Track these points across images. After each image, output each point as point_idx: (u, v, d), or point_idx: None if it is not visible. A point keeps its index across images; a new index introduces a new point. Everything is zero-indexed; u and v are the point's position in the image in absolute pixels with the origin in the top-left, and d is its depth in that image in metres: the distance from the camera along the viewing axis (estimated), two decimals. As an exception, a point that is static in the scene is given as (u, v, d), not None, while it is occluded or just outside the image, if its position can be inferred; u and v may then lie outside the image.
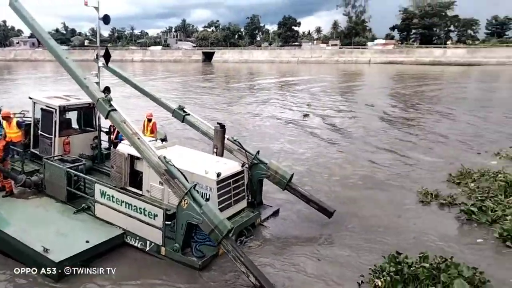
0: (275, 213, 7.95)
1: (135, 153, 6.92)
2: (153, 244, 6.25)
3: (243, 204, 7.36)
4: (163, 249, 6.14)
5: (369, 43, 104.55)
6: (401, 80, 45.25)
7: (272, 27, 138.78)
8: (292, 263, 6.04)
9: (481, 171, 9.57)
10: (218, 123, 8.04)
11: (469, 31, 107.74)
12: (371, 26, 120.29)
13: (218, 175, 6.50)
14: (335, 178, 9.94)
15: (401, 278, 5.07)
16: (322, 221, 7.26)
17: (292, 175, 7.46)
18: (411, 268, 5.14)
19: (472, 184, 8.83)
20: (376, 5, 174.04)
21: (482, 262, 5.81)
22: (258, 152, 7.85)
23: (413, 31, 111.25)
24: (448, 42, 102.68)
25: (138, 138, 6.49)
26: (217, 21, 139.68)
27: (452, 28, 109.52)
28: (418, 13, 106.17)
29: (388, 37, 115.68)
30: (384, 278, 5.15)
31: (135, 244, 6.46)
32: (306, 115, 19.93)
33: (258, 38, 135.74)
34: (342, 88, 36.59)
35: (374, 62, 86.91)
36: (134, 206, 6.42)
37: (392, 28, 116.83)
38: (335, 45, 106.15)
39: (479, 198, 7.80)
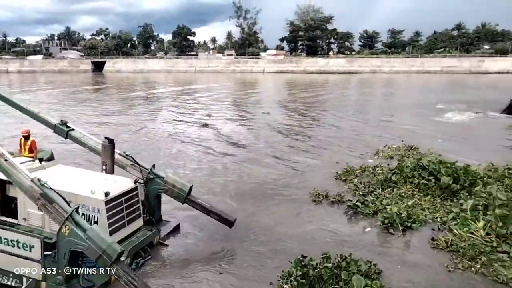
0: (176, 229, 7.62)
1: (5, 177, 5.94)
2: (30, 280, 5.42)
3: (138, 223, 6.88)
4: (43, 284, 5.35)
5: (262, 53, 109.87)
6: (292, 88, 48.47)
7: (167, 36, 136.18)
8: (194, 281, 5.80)
9: (362, 167, 10.71)
10: (106, 137, 7.42)
11: (347, 43, 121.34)
12: (263, 37, 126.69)
13: (107, 194, 5.96)
14: (235, 187, 10.02)
15: (307, 281, 5.24)
16: (224, 232, 7.19)
17: (191, 187, 7.24)
18: (316, 270, 5.36)
19: (356, 180, 9.79)
20: (266, 18, 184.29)
21: (373, 251, 6.43)
22: (153, 166, 7.45)
23: (300, 42, 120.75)
24: (330, 53, 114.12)
25: (5, 160, 5.59)
26: (107, 28, 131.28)
27: (332, 40, 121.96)
28: (303, 26, 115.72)
29: (279, 48, 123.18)
30: (292, 283, 5.29)
31: (9, 283, 5.53)
32: (205, 125, 19.86)
33: (153, 47, 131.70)
34: (240, 96, 37.58)
35: (268, 71, 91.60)
36: (5, 239, 5.51)
37: (282, 40, 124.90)
38: (231, 55, 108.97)
39: (362, 193, 8.68)
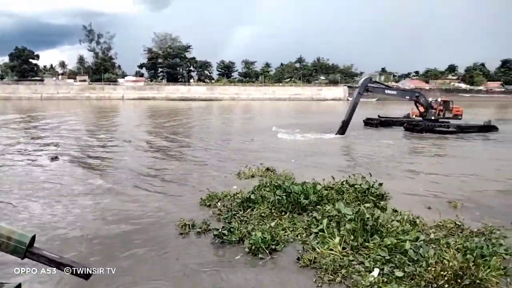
0: (16, 290, 6.32)
1: None
2: None
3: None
4: None
5: (120, 80, 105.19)
6: (155, 115, 47.41)
7: (2, 59, 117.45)
8: None
9: (224, 192, 10.73)
10: None
11: (206, 72, 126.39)
12: (120, 63, 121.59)
13: None
14: (89, 232, 8.65)
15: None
16: (81, 285, 6.27)
17: (34, 237, 6.00)
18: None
19: (219, 204, 9.81)
20: (122, 43, 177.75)
21: (248, 279, 6.37)
22: (-19, 216, 6.12)
23: (160, 69, 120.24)
24: (191, 81, 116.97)
25: None
26: None
27: (192, 68, 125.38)
28: (162, 54, 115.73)
29: (138, 74, 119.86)
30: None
31: None
32: (54, 158, 17.44)
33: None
34: (96, 125, 34.62)
35: (127, 98, 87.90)
36: None
37: (140, 66, 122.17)
38: (84, 80, 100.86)
39: (226, 218, 8.68)
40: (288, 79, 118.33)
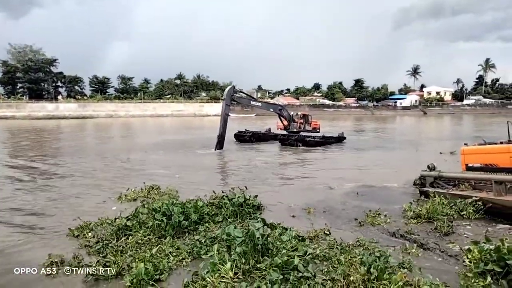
0: None
1: None
2: None
3: None
4: None
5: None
6: (16, 137, 41.40)
7: None
8: None
9: (101, 219, 9.68)
10: None
11: (77, 87, 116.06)
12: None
13: None
14: None
15: None
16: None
17: None
18: None
19: (90, 234, 8.65)
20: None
21: None
22: None
23: (20, 85, 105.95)
24: (59, 97, 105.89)
25: None
26: None
27: (60, 84, 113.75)
28: (21, 67, 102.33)
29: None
30: None
31: None
32: None
33: None
34: None
35: (-24, 118, 74.95)
36: None
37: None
38: None
39: (100, 252, 7.68)
40: (169, 96, 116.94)
